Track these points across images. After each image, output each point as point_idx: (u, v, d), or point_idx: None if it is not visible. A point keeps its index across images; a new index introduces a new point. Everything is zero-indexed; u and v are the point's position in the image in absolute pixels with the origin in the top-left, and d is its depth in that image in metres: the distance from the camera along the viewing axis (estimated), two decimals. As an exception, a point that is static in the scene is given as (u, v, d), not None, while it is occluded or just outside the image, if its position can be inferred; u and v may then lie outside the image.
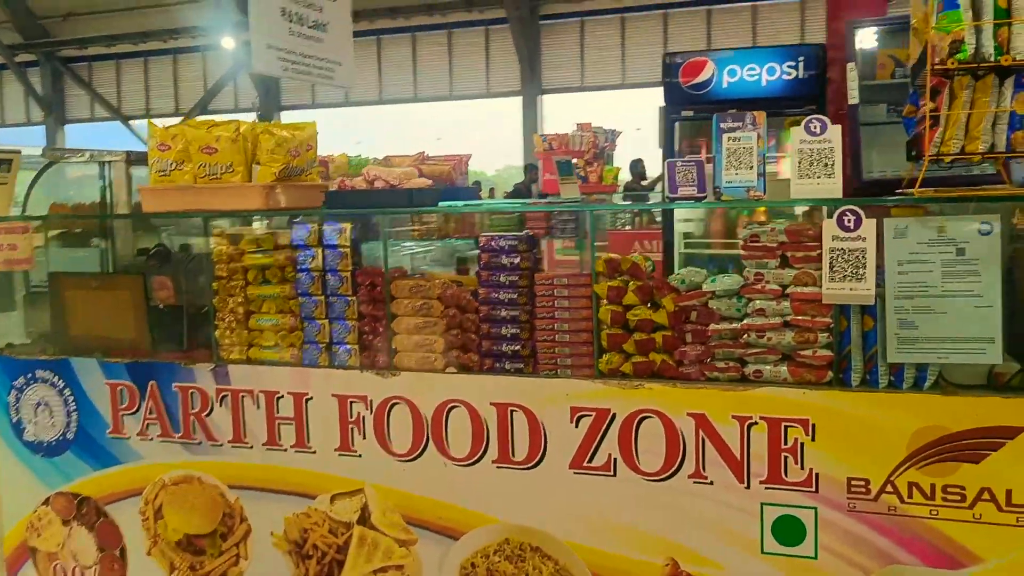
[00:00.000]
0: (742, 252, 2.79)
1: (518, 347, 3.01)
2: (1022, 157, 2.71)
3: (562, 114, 18.01)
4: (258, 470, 3.39)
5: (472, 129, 20.12)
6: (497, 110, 20.14)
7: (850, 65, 4.12)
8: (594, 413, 2.91)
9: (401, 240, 5.34)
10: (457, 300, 3.07)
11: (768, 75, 4.81)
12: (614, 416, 2.89)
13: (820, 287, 2.68)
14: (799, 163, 2.72)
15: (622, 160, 11.71)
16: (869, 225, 2.61)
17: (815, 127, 2.74)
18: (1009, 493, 2.56)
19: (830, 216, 2.66)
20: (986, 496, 2.58)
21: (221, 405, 3.40)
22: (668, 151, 5.13)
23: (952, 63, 2.61)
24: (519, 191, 12.56)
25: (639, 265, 2.89)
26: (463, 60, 20.32)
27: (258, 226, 4.32)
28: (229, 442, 3.41)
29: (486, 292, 3.02)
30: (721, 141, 2.80)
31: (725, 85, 4.89)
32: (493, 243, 3.00)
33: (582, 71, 19.55)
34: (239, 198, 3.36)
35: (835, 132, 2.74)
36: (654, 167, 10.94)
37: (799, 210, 4.17)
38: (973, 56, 2.59)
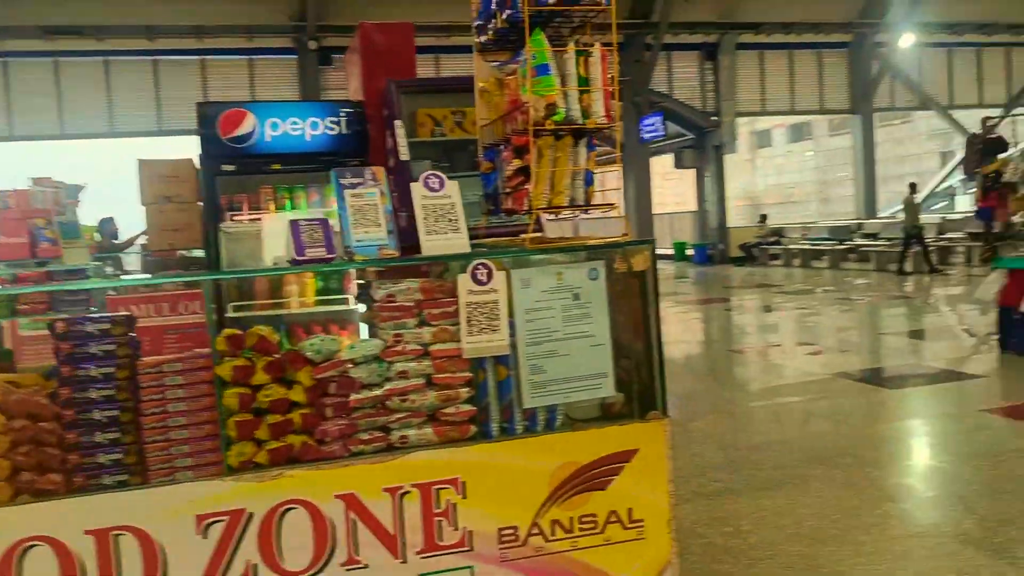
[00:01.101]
0: (379, 314, 2.64)
1: (120, 455, 2.42)
2: (601, 208, 3.06)
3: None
4: None
5: None
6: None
7: (398, 123, 4.25)
8: (226, 517, 2.47)
9: None
10: (26, 408, 2.35)
11: (312, 129, 4.72)
12: (251, 516, 2.49)
13: (459, 342, 2.67)
14: (424, 219, 2.68)
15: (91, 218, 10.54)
16: (500, 277, 2.68)
17: (435, 183, 2.73)
18: (630, 511, 2.82)
19: (463, 271, 2.66)
20: (613, 518, 2.81)
21: None
22: (210, 210, 4.71)
23: (550, 124, 2.82)
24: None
25: (267, 338, 2.55)
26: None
27: None
28: None
29: (70, 392, 2.36)
30: (344, 198, 2.62)
31: (268, 139, 4.67)
32: (76, 328, 2.37)
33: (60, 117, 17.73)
34: None
35: (453, 187, 2.76)
36: (129, 224, 10.07)
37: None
38: (566, 119, 2.84)
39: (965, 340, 9.12)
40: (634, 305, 2.90)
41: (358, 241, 2.58)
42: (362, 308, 2.84)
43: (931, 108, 25.13)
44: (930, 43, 23.56)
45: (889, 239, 19.20)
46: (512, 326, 2.72)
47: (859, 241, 20.20)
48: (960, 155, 30.07)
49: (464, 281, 2.64)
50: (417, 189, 2.70)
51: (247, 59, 19.69)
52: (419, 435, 2.65)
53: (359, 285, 2.75)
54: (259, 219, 4.44)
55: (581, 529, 2.78)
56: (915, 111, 31.25)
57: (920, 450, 5.22)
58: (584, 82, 2.88)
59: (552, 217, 2.92)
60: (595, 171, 3.03)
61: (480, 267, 2.65)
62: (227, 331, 2.51)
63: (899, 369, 7.68)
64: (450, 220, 2.70)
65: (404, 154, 4.01)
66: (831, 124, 46.62)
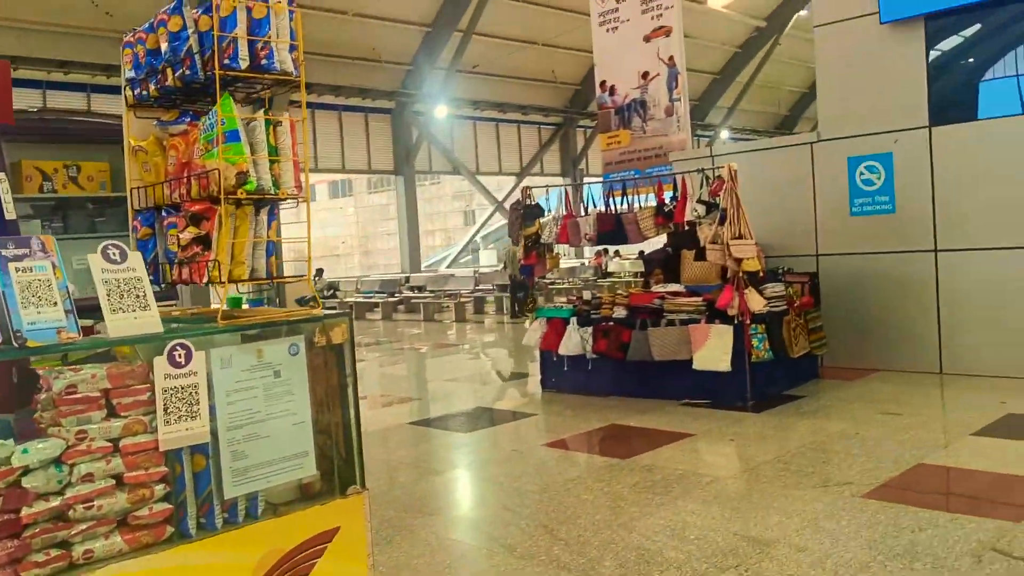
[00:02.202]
0: (59, 408, 2.23)
1: None
2: (285, 281, 2.97)
3: None
4: None
5: None
6: None
7: (1, 175, 3.63)
8: None
9: None
10: None
11: None
12: None
13: (155, 434, 2.37)
14: (108, 296, 2.35)
15: None
16: (200, 358, 2.45)
17: (115, 254, 2.41)
18: (334, 592, 2.75)
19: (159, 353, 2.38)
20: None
21: None
22: None
23: (242, 192, 2.69)
24: None
25: (-96, 451, 2.00)
26: None
27: None
28: None
29: None
30: (7, 273, 2.19)
31: None
32: None
33: None
34: None
35: (137, 259, 2.47)
36: None
37: None
38: (257, 188, 2.73)
39: (519, 382, 10.32)
40: (332, 379, 2.86)
41: (31, 324, 2.17)
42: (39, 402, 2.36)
43: (461, 173, 28.17)
44: (460, 115, 26.54)
45: (433, 291, 20.98)
46: (212, 410, 2.50)
47: (408, 293, 21.69)
48: (482, 215, 34.01)
49: (160, 364, 2.37)
50: (95, 261, 2.36)
51: None
52: (107, 546, 2.29)
53: (32, 375, 2.31)
54: None
55: (286, 620, 2.63)
56: (448, 174, 34.55)
57: (500, 487, 5.69)
58: (274, 151, 2.80)
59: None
60: (277, 241, 2.95)
61: (177, 348, 2.40)
62: None
63: (465, 412, 8.39)
64: (137, 296, 2.41)
65: (10, 212, 3.40)
66: (370, 182, 49.46)
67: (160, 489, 2.39)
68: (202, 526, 2.52)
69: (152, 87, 2.94)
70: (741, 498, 4.95)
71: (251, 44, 2.73)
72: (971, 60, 8.64)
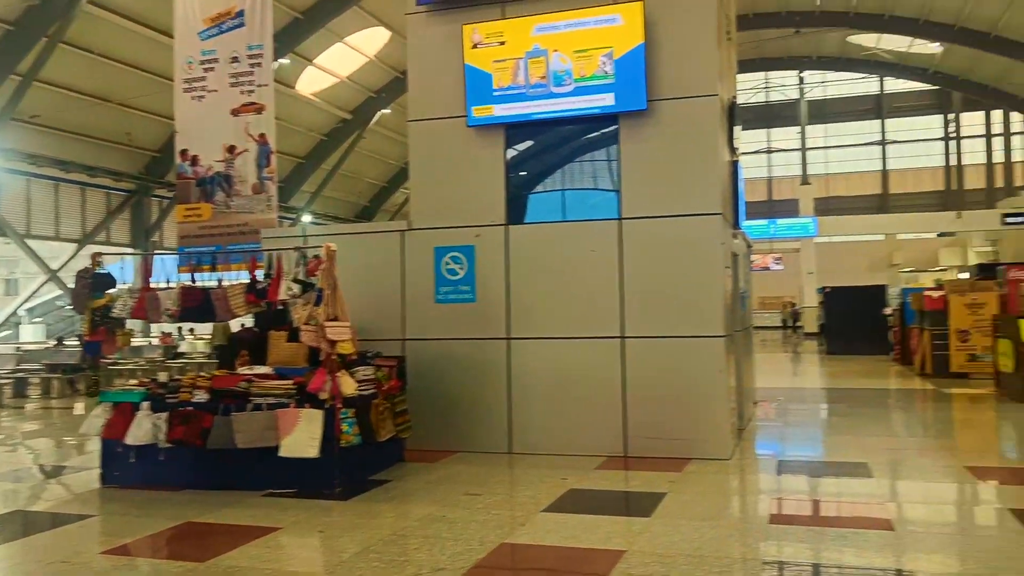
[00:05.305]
0: None
1: None
2: None
3: None
4: None
5: None
6: None
7: None
8: None
9: None
10: None
11: None
12: None
13: None
14: None
15: None
16: None
17: None
18: None
19: None
20: None
21: None
22: None
23: None
24: None
25: None
26: None
27: None
28: None
29: None
30: None
31: None
32: None
33: None
34: None
35: None
36: None
37: None
38: None
39: (73, 477, 8.86)
40: None
41: None
42: None
43: (8, 235, 24.36)
44: (11, 169, 23.09)
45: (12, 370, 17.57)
46: None
47: None
48: (29, 284, 29.74)
49: None
50: None
51: None
52: None
53: None
54: None
55: None
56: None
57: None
58: None
59: None
60: None
61: None
62: None
63: None
64: None
65: None
66: None
67: None
68: None
69: None
70: (335, 595, 4.65)
71: None
72: (541, 168, 9.69)
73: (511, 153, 9.44)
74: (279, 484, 7.27)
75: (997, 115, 41.02)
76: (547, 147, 9.66)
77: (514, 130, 9.37)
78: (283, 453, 7.08)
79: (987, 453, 9.50)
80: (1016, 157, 41.72)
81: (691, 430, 8.46)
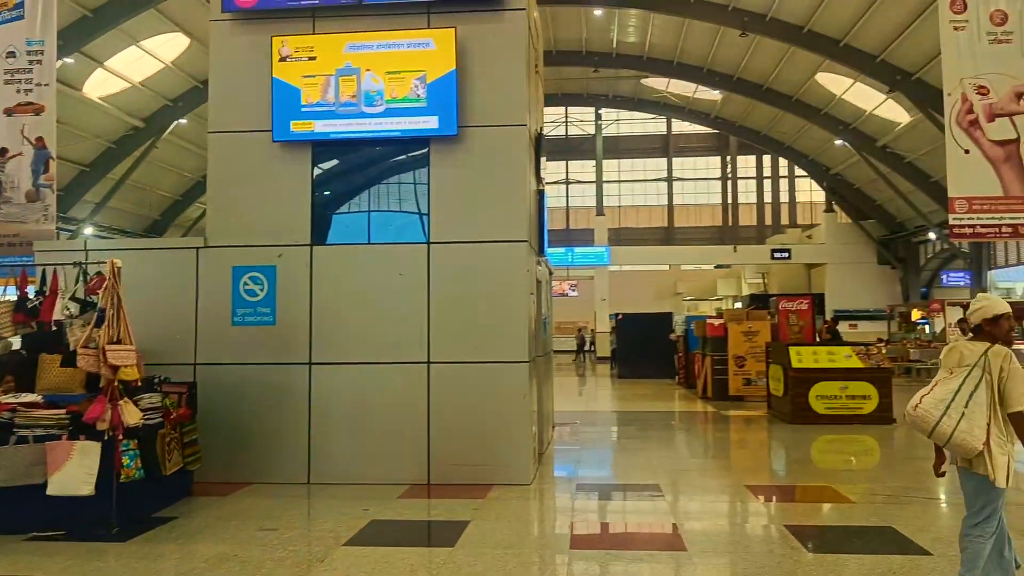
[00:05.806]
0: None
1: None
2: None
3: None
4: None
5: None
6: None
7: None
8: None
9: None
10: None
11: None
12: None
13: None
14: None
15: None
16: None
17: None
18: None
19: None
20: None
21: None
22: None
23: None
24: None
25: None
26: None
27: None
28: None
29: None
30: None
31: None
32: None
33: None
34: None
35: None
36: None
37: None
38: None
39: None
40: None
41: None
42: None
43: None
44: None
45: None
46: None
47: None
48: None
49: None
50: None
51: None
52: None
53: None
54: None
55: None
56: None
57: None
58: None
59: None
60: None
61: None
62: None
63: None
64: None
65: None
66: None
67: None
68: None
69: None
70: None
71: None
72: (349, 188, 9.44)
73: (318, 171, 9.15)
74: (46, 525, 6.53)
75: (767, 159, 45.04)
76: (356, 167, 9.44)
77: (322, 148, 9.09)
78: (52, 491, 6.38)
79: (761, 472, 10.27)
80: (783, 198, 45.93)
81: (494, 456, 8.50)
